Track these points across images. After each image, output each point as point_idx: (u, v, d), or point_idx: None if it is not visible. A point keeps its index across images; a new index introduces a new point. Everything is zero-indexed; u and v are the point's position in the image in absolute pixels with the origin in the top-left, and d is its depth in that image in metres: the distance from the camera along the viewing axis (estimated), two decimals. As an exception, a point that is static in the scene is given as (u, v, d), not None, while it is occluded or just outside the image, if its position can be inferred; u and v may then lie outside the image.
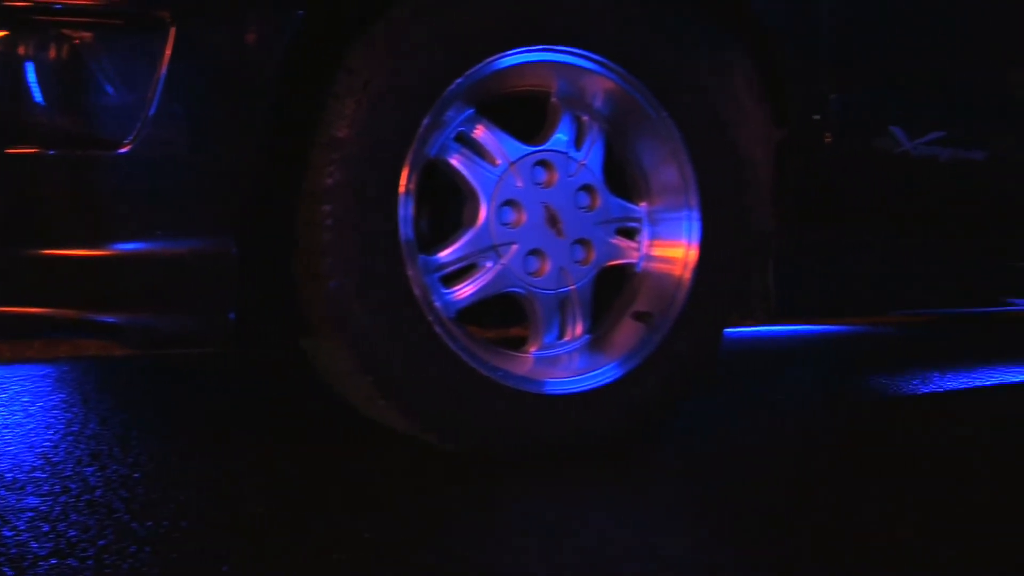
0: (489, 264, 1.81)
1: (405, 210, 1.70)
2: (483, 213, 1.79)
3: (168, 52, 1.59)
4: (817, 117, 2.24)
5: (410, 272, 1.69)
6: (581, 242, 1.90)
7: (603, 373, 1.88)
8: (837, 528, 1.50)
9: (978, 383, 2.99)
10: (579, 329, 1.93)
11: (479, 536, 1.46)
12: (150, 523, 1.48)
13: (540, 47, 1.83)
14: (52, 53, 1.56)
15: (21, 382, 2.73)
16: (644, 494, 1.71)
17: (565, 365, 1.90)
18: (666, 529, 1.51)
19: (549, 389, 1.83)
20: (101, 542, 1.39)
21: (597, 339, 1.96)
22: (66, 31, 1.56)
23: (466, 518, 1.55)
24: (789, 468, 1.90)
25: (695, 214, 1.98)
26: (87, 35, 1.56)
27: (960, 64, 2.66)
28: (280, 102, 1.65)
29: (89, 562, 1.31)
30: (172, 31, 1.60)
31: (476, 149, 1.81)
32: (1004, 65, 2.82)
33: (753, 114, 2.23)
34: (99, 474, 1.77)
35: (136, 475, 1.76)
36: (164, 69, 1.59)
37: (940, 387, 2.89)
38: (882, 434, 2.26)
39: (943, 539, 1.45)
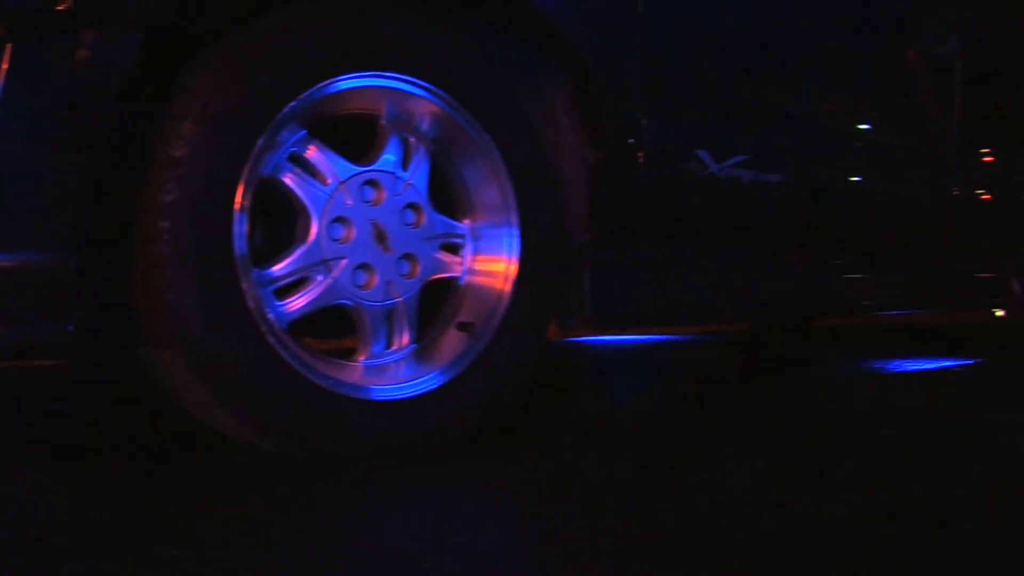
0: (320, 278, 1.89)
1: (240, 226, 1.77)
2: (314, 229, 1.88)
3: (4, 67, 1.63)
4: (631, 141, 2.39)
5: (244, 285, 1.76)
6: (407, 257, 2.00)
7: (428, 380, 1.99)
8: (659, 523, 1.59)
9: (791, 387, 3.19)
10: (405, 339, 2.03)
11: (312, 535, 1.52)
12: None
13: (369, 73, 1.93)
14: None
15: None
16: (466, 492, 1.80)
17: (392, 373, 2.00)
18: (493, 525, 1.60)
19: (377, 396, 1.92)
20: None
21: (423, 348, 2.06)
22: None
23: (299, 519, 1.61)
24: (604, 468, 2.01)
25: (515, 231, 2.11)
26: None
27: (763, 94, 2.86)
28: (120, 121, 1.70)
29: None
30: (8, 48, 1.63)
31: (308, 168, 1.90)
32: (803, 95, 3.04)
33: (571, 137, 2.36)
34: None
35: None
36: (0, 85, 1.63)
37: (755, 391, 3.06)
38: (698, 435, 2.39)
39: (758, 525, 1.56)
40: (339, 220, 1.91)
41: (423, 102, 2.01)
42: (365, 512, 1.66)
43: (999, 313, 4.29)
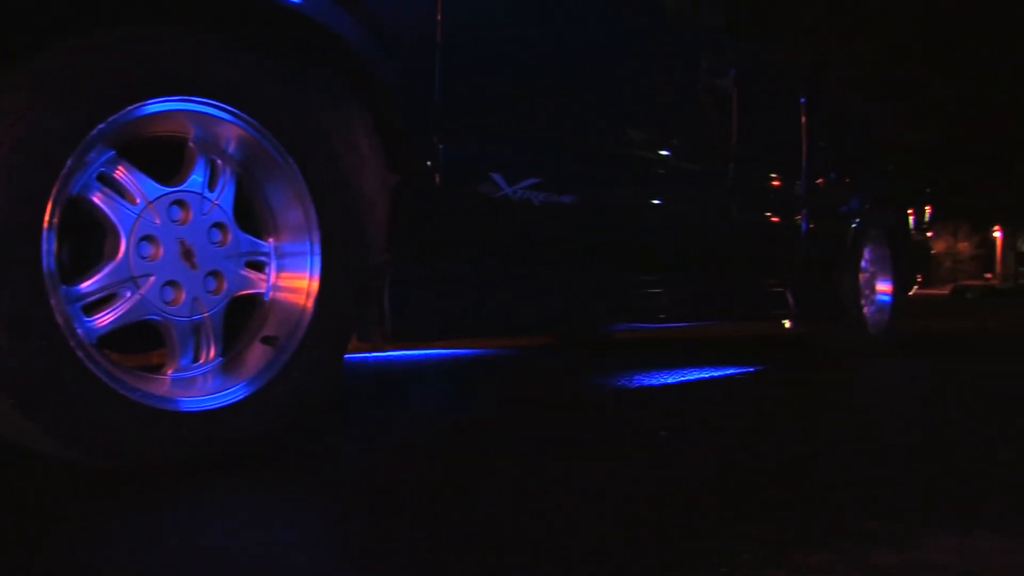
0: (128, 294, 1.95)
1: (48, 244, 1.79)
2: (122, 247, 1.93)
3: None
4: (428, 164, 2.53)
5: (53, 302, 1.79)
6: (213, 274, 2.08)
7: (233, 392, 2.07)
8: (449, 522, 1.71)
9: (591, 393, 3.37)
10: (212, 353, 2.11)
11: (124, 543, 1.57)
12: None
13: (177, 98, 1.99)
14: None
15: None
16: (269, 499, 1.87)
17: (200, 385, 2.07)
18: (296, 525, 1.68)
19: (184, 407, 1.98)
20: None
21: (229, 361, 2.15)
22: None
23: (112, 525, 1.65)
24: (403, 474, 2.12)
25: (317, 249, 2.22)
26: None
27: (556, 122, 3.05)
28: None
29: None
30: None
31: (117, 188, 1.95)
32: (595, 123, 3.25)
33: (372, 161, 2.48)
34: None
35: None
36: None
37: (556, 399, 3.23)
38: (501, 440, 2.54)
39: (570, 525, 1.69)
40: (147, 239, 1.97)
41: (229, 126, 2.09)
42: (175, 516, 1.71)
43: (787, 324, 4.63)
